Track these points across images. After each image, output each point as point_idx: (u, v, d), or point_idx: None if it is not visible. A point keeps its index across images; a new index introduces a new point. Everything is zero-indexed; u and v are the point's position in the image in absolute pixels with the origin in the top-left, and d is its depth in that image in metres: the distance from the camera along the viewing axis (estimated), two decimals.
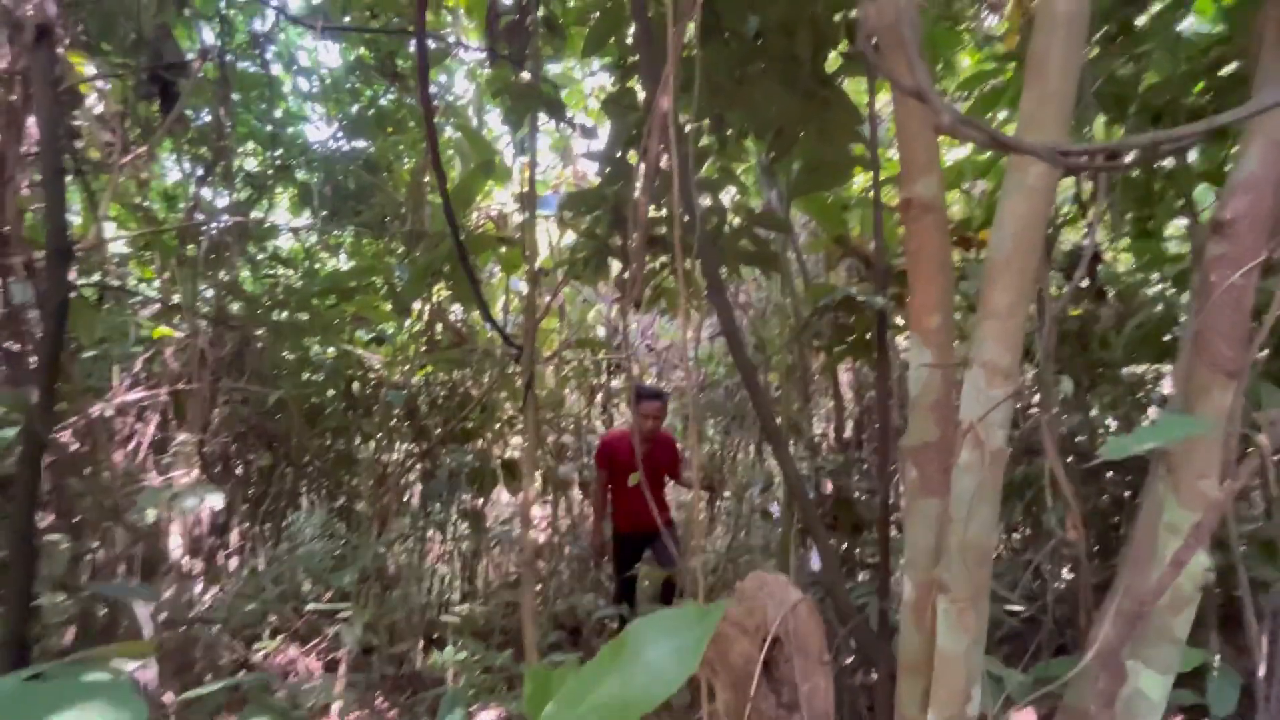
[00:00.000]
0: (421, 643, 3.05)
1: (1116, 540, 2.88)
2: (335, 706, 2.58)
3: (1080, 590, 1.21)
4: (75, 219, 3.81)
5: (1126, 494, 2.82)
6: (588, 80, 4.13)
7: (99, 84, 2.49)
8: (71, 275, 1.88)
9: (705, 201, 2.72)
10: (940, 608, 0.88)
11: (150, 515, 2.58)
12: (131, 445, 2.76)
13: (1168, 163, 2.22)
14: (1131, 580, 0.96)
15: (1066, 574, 2.97)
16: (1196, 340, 0.73)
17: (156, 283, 3.45)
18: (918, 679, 1.02)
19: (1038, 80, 0.78)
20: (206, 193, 3.47)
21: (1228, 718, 1.60)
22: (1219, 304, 0.69)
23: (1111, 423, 3.10)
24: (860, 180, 3.61)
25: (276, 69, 3.92)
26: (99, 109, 2.55)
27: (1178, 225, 2.94)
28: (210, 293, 3.22)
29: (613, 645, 0.74)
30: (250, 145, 4.12)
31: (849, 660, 2.65)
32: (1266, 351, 2.26)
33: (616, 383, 4.57)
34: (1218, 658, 1.67)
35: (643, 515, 3.12)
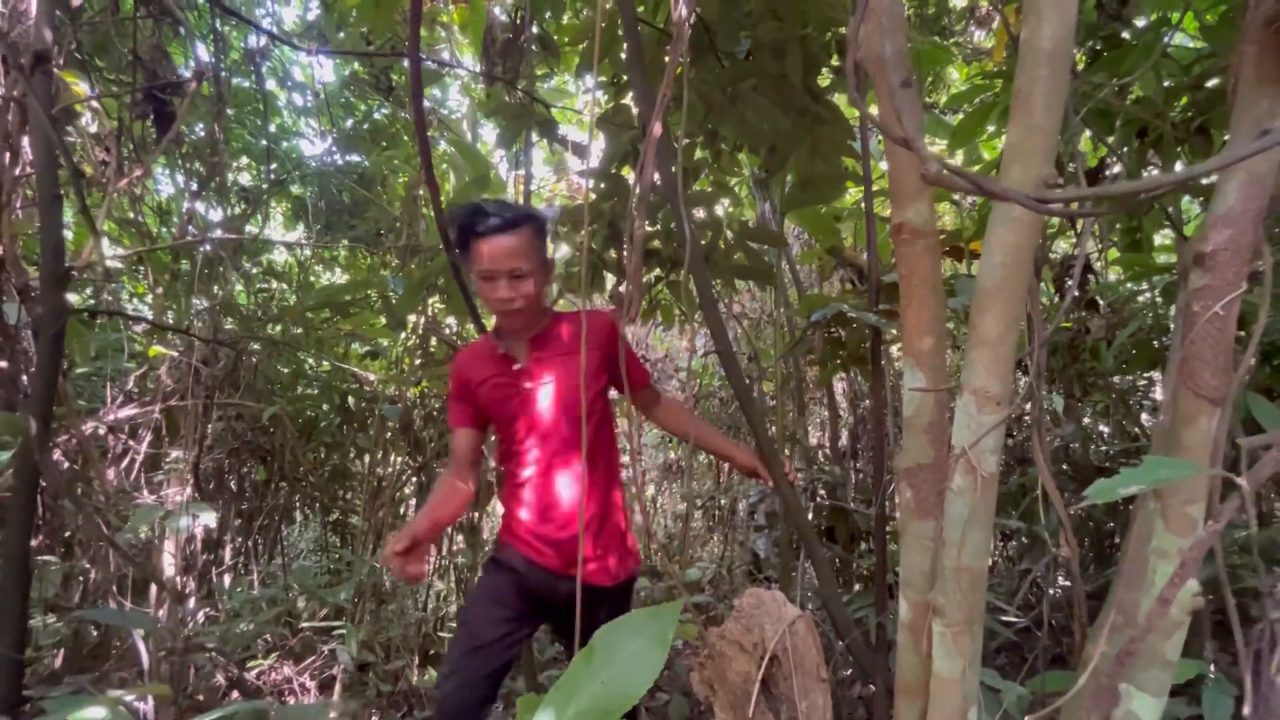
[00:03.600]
0: (418, 659, 3.04)
1: (1111, 547, 2.91)
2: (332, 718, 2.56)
3: (1075, 604, 1.22)
4: (67, 234, 3.80)
5: (1121, 502, 2.84)
6: (582, 96, 4.16)
7: (94, 103, 2.49)
8: (67, 297, 1.87)
9: (700, 215, 2.74)
10: (935, 631, 0.89)
11: (143, 533, 2.57)
12: (125, 463, 2.75)
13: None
14: (1123, 599, 0.97)
15: (1063, 581, 2.98)
16: (1181, 368, 0.74)
17: (150, 298, 3.44)
18: (915, 701, 1.03)
19: (1022, 113, 0.79)
20: (200, 208, 3.48)
21: None
22: (1202, 333, 0.71)
23: (1104, 430, 3.13)
24: (853, 192, 3.64)
25: (271, 85, 3.93)
26: (94, 128, 2.55)
27: (1166, 234, 2.98)
28: (204, 308, 3.21)
29: (583, 654, 0.76)
30: (244, 160, 4.13)
31: (847, 673, 2.65)
32: (1254, 361, 2.30)
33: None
34: (1212, 668, 1.68)
35: (556, 525, 1.49)
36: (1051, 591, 2.81)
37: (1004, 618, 2.34)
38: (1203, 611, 2.17)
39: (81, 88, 2.54)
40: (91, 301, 3.27)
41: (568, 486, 1.51)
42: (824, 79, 2.45)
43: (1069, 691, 0.84)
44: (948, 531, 0.86)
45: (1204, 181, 2.06)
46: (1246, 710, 0.50)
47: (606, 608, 1.50)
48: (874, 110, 0.95)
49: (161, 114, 2.24)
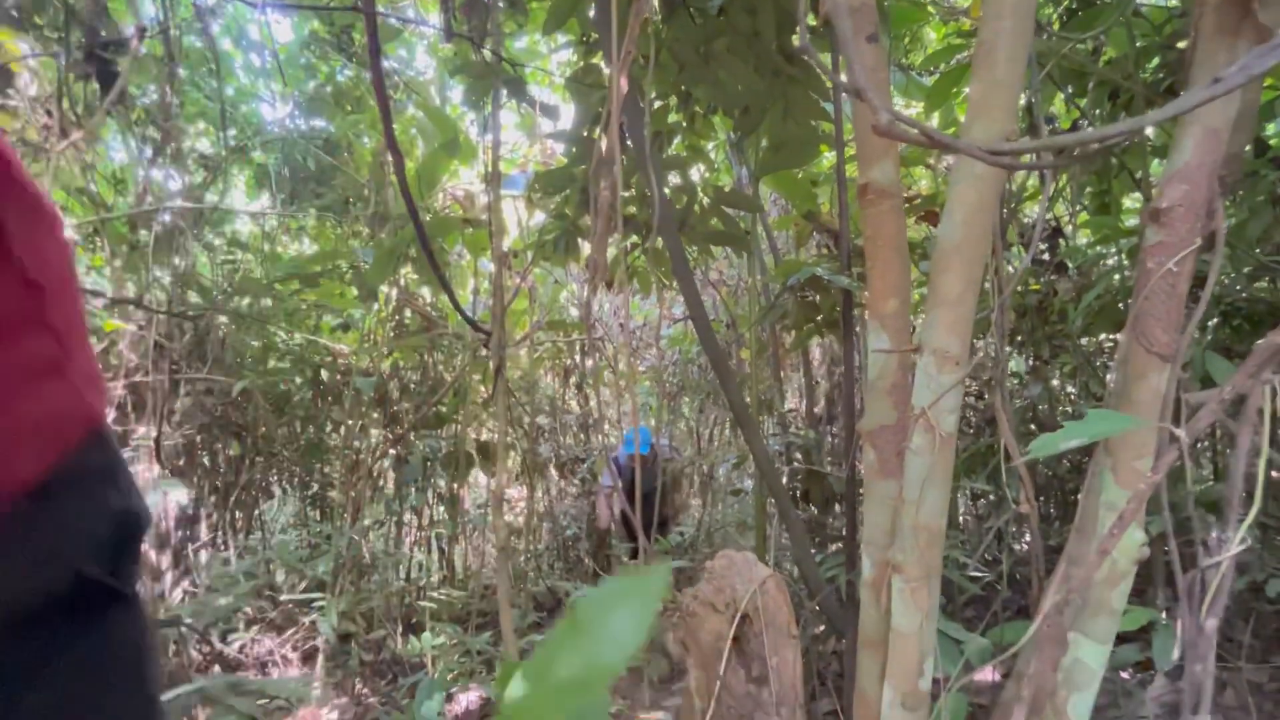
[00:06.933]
0: (400, 628, 3.06)
1: (1076, 504, 3.00)
2: (314, 695, 2.58)
3: (1033, 558, 1.26)
4: None
5: (1086, 459, 2.93)
6: (553, 57, 4.03)
7: (31, 63, 2.35)
8: None
9: (674, 180, 2.70)
10: (895, 587, 0.91)
11: None
12: None
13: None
14: (1076, 551, 1.00)
15: (1028, 539, 3.09)
16: (1133, 325, 0.75)
17: (108, 271, 3.32)
18: (876, 653, 1.06)
19: (985, 68, 0.78)
20: (157, 175, 3.34)
21: (1173, 670, 1.69)
22: (1155, 290, 0.71)
23: (1072, 390, 3.20)
24: (830, 156, 3.60)
25: (225, 44, 3.75)
26: (33, 89, 2.42)
27: (1136, 198, 3.01)
28: (166, 280, 3.11)
29: (565, 622, 0.77)
30: (202, 125, 3.95)
31: (820, 630, 2.73)
32: (1215, 321, 2.35)
33: (590, 363, 4.57)
34: (1164, 615, 1.76)
35: None
36: (1017, 547, 2.91)
37: (972, 573, 2.41)
38: (1157, 561, 2.27)
39: (17, 46, 2.40)
40: None
41: None
42: (798, 39, 2.39)
43: (1023, 638, 0.87)
44: (907, 490, 0.88)
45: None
46: (1176, 654, 0.52)
47: None
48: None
49: (105, 74, 2.12)
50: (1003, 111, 0.77)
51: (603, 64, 2.49)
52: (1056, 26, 2.24)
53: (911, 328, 1.11)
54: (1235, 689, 2.03)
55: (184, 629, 2.36)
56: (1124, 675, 2.25)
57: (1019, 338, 2.74)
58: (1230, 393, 0.47)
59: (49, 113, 2.29)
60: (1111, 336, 2.99)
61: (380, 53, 1.84)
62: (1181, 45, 2.04)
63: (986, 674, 2.27)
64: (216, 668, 2.55)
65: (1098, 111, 2.24)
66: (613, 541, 4.22)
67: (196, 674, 2.40)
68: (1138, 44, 2.02)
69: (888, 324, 1.06)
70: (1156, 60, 2.12)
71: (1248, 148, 1.88)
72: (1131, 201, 3.05)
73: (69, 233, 3.25)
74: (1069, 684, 0.84)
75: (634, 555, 3.64)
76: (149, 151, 3.28)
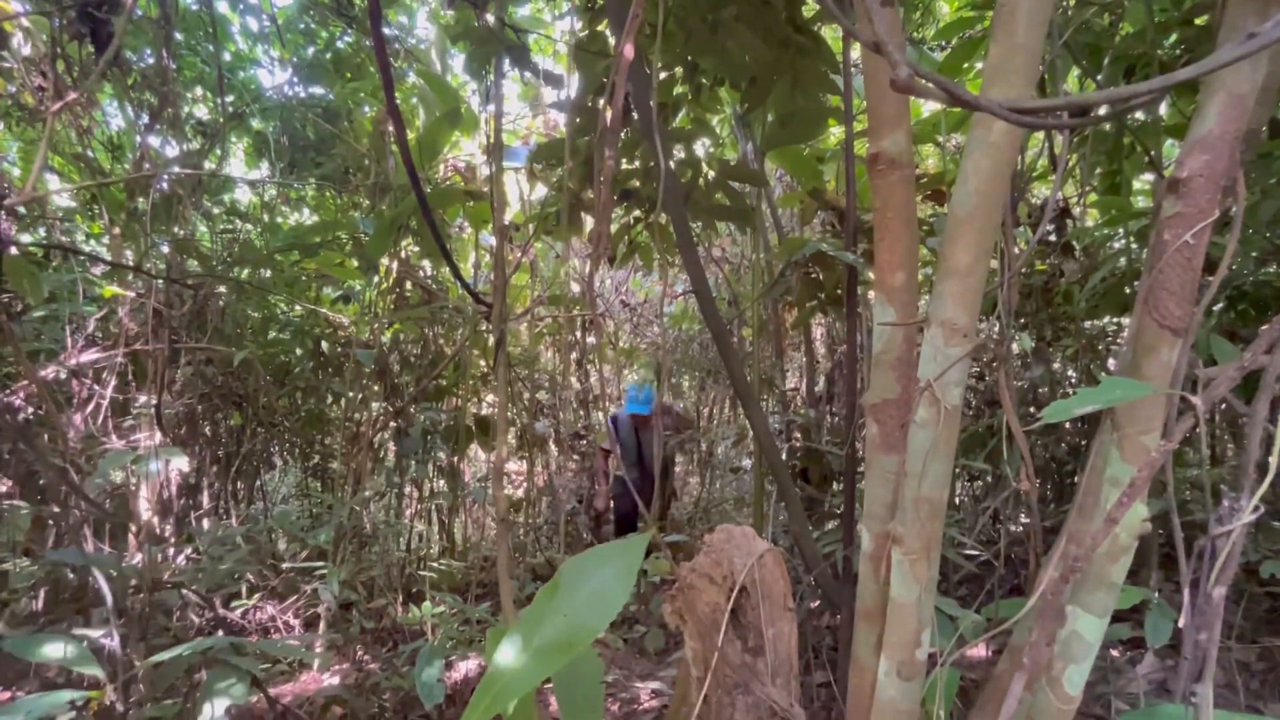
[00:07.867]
0: (401, 597, 3.10)
1: (1072, 486, 3.02)
2: (315, 660, 2.63)
3: (1031, 536, 1.26)
4: (14, 170, 3.59)
5: (1083, 443, 2.93)
6: (557, 24, 3.94)
7: (24, 22, 2.30)
8: (7, 230, 1.78)
9: (679, 154, 2.66)
10: (895, 558, 0.91)
11: (117, 478, 2.54)
12: (90, 407, 2.68)
13: (1138, 116, 2.22)
14: (1076, 528, 1.00)
15: (1024, 519, 3.11)
16: (1147, 298, 0.74)
17: (106, 238, 3.29)
18: (873, 625, 1.06)
19: (1005, 31, 0.76)
20: (155, 142, 3.29)
21: (1162, 649, 1.72)
22: (1170, 262, 0.70)
23: (1072, 375, 3.20)
24: (837, 132, 3.55)
25: (222, 7, 3.67)
26: (26, 49, 2.37)
27: (1146, 180, 2.97)
28: (165, 248, 3.08)
29: (548, 586, 0.76)
30: (199, 91, 3.89)
31: (815, 604, 2.77)
32: (1221, 305, 2.34)
33: (591, 339, 4.56)
34: (1156, 594, 1.78)
35: None
36: (1013, 528, 2.93)
37: (967, 551, 2.43)
38: (1151, 542, 2.29)
39: (10, 4, 2.35)
40: (44, 238, 3.12)
41: None
42: (809, 9, 2.34)
43: (1020, 612, 0.87)
44: (910, 463, 0.87)
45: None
46: (1181, 622, 0.53)
47: None
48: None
49: (99, 34, 2.08)
50: (1022, 76, 0.75)
51: (608, 32, 2.43)
52: (1072, 2, 2.19)
53: (918, 302, 1.10)
54: (1224, 668, 2.06)
55: (186, 593, 2.39)
56: (1114, 653, 2.28)
57: (1022, 319, 2.72)
58: (1249, 362, 0.46)
59: (44, 74, 2.25)
60: (1115, 320, 2.97)
61: (381, 17, 1.79)
62: (1200, 21, 1.99)
63: (979, 651, 2.31)
64: (219, 632, 2.58)
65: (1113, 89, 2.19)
66: (610, 517, 4.26)
67: (199, 637, 2.43)
68: (1155, 19, 1.98)
69: (894, 297, 1.04)
70: (1175, 37, 2.08)
71: (1263, 128, 1.84)
72: (1141, 183, 3.01)
73: (65, 199, 3.21)
74: (1065, 655, 0.84)
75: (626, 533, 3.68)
76: (146, 117, 3.23)
